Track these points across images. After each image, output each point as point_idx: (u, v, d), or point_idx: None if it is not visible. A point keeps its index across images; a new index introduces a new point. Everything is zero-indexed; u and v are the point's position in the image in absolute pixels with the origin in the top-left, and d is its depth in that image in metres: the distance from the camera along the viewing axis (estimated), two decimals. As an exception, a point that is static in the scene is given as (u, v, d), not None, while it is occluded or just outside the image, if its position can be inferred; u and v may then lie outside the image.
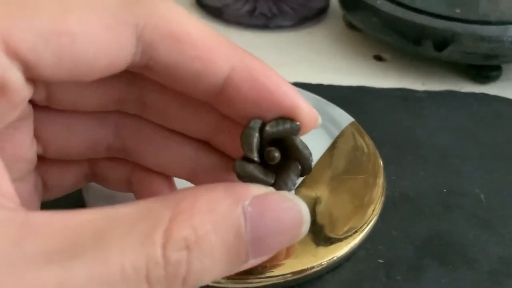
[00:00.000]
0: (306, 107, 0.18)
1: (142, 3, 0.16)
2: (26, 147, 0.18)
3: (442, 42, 0.34)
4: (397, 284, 0.23)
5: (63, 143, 0.19)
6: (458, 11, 0.34)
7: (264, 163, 0.17)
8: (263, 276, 0.22)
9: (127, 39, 0.16)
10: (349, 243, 0.23)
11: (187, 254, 0.14)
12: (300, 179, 0.20)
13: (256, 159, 0.17)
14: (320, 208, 0.24)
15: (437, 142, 0.30)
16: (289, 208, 0.16)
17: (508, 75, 0.36)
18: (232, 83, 0.17)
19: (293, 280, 0.22)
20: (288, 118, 0.17)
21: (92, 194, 0.24)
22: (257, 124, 0.17)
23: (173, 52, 0.17)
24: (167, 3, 0.17)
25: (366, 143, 0.28)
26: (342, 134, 0.28)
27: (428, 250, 0.24)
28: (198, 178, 0.20)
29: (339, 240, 0.23)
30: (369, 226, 0.24)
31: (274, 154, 0.17)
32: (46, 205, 0.19)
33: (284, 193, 0.16)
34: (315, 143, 0.22)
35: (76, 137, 0.19)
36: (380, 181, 0.26)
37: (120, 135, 0.20)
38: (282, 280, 0.22)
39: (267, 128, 0.17)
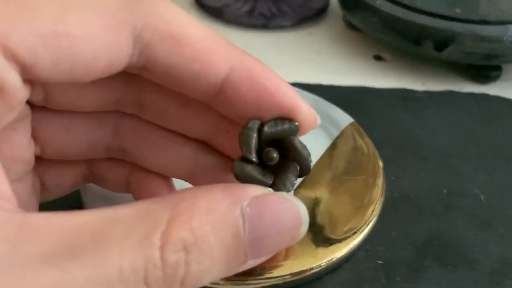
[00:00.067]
0: (305, 108, 0.18)
1: (141, 4, 0.16)
2: (23, 148, 0.18)
3: (442, 42, 0.34)
4: (397, 285, 0.23)
5: (61, 143, 0.19)
6: (458, 11, 0.34)
7: (263, 163, 0.17)
8: (262, 277, 0.21)
9: (125, 40, 0.16)
10: (348, 244, 0.23)
11: (185, 256, 0.14)
12: (299, 179, 0.20)
13: (254, 159, 0.17)
14: (319, 209, 0.24)
15: (437, 142, 0.30)
16: (288, 209, 0.16)
17: (508, 75, 0.36)
18: (231, 84, 0.17)
19: (292, 281, 0.22)
20: (286, 119, 0.17)
21: (90, 195, 0.24)
22: (255, 124, 0.17)
23: (172, 53, 0.17)
24: (166, 4, 0.17)
25: (365, 144, 0.28)
26: (341, 134, 0.28)
27: (428, 250, 0.24)
28: (196, 179, 0.20)
29: (339, 241, 0.23)
30: (369, 226, 0.24)
31: (273, 155, 0.17)
32: (44, 206, 0.19)
33: (282, 194, 0.16)
34: (314, 144, 0.22)
35: (74, 137, 0.19)
36: (380, 181, 0.26)
37: (118, 136, 0.20)
38: (281, 281, 0.22)
39: (266, 128, 0.17)
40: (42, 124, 0.19)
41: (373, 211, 0.24)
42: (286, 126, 0.17)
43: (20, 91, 0.15)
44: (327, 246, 0.23)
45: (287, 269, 0.22)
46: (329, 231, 0.23)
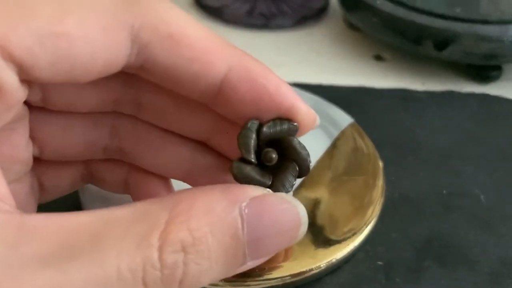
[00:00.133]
0: (304, 108, 0.18)
1: (140, 4, 0.16)
2: (21, 148, 0.18)
3: (442, 42, 0.34)
4: (397, 285, 0.23)
5: (59, 144, 0.19)
6: (458, 10, 0.34)
7: (261, 164, 0.17)
8: (261, 278, 0.21)
9: (123, 40, 0.16)
10: (348, 245, 0.23)
11: (183, 256, 0.14)
12: (298, 180, 0.20)
13: (253, 160, 0.17)
14: (319, 210, 0.24)
15: (437, 143, 0.30)
16: (287, 209, 0.16)
17: (509, 75, 0.36)
18: (230, 84, 0.17)
19: (292, 282, 0.22)
20: (285, 119, 0.17)
21: (88, 196, 0.24)
22: (254, 125, 0.17)
23: (171, 54, 0.17)
24: (165, 4, 0.17)
25: (365, 144, 0.28)
26: (341, 135, 0.28)
27: (428, 251, 0.24)
28: (195, 179, 0.20)
29: (338, 242, 0.23)
30: (369, 227, 0.24)
31: (271, 155, 0.17)
32: (43, 207, 0.19)
33: (281, 194, 0.16)
34: (314, 144, 0.22)
35: (72, 138, 0.19)
36: (380, 182, 0.26)
37: (116, 136, 0.20)
38: (280, 283, 0.22)
39: (265, 129, 0.17)
40: (40, 125, 0.19)
41: (373, 211, 0.24)
42: (285, 126, 0.17)
43: (17, 91, 0.15)
44: (326, 247, 0.23)
45: (287, 270, 0.22)
46: (328, 232, 0.23)
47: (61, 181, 0.20)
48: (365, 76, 0.36)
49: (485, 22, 0.33)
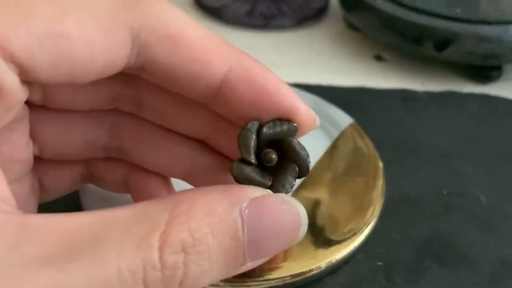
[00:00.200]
0: (304, 109, 0.18)
1: (139, 5, 0.16)
2: (22, 148, 0.18)
3: (442, 42, 0.34)
4: (397, 286, 0.23)
5: (59, 143, 0.19)
6: (458, 11, 0.34)
7: (261, 164, 0.17)
8: (261, 279, 0.21)
9: (123, 41, 0.16)
10: (348, 245, 0.23)
11: (184, 257, 0.14)
12: (298, 181, 0.20)
13: (253, 161, 0.17)
14: (319, 210, 0.24)
15: (437, 143, 0.30)
16: (287, 210, 0.16)
17: (509, 75, 0.36)
18: (229, 84, 0.17)
19: (292, 283, 0.22)
20: (285, 120, 0.17)
21: (89, 197, 0.24)
22: (254, 125, 0.17)
23: (170, 54, 0.17)
24: (164, 5, 0.17)
25: (365, 144, 0.28)
26: (341, 135, 0.28)
27: (428, 251, 0.24)
28: (194, 178, 0.20)
29: (338, 242, 0.23)
30: (369, 228, 0.24)
31: (271, 156, 0.17)
32: (44, 207, 0.19)
33: (281, 195, 0.16)
34: (314, 145, 0.22)
35: (73, 137, 0.19)
36: (380, 182, 0.26)
37: (117, 135, 0.20)
38: (280, 283, 0.22)
39: (265, 129, 0.17)
40: (40, 124, 0.19)
41: (373, 212, 0.24)
42: (284, 127, 0.17)
43: (18, 92, 0.15)
44: (326, 248, 0.23)
45: (287, 270, 0.22)
46: (329, 232, 0.23)
47: (62, 181, 0.20)
48: (365, 77, 0.36)
49: (485, 22, 0.33)
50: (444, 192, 0.27)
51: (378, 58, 0.38)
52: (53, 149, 0.19)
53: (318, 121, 0.18)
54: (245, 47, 0.18)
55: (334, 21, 0.42)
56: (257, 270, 0.21)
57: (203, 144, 0.20)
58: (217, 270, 0.15)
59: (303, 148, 0.17)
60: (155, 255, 0.14)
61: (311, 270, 0.22)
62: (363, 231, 0.24)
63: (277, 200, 0.16)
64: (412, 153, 0.29)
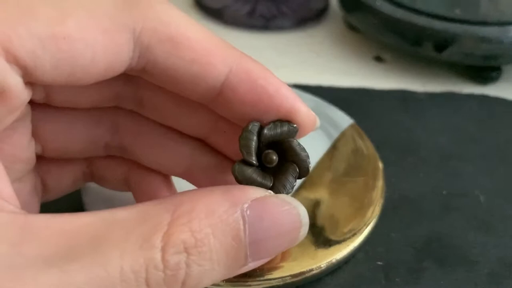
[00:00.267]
0: (304, 110, 0.18)
1: (140, 6, 0.16)
2: (24, 147, 0.18)
3: (442, 43, 0.34)
4: (397, 286, 0.23)
5: (61, 141, 0.19)
6: (458, 12, 0.34)
7: (262, 165, 0.18)
8: (262, 278, 0.22)
9: (125, 43, 0.16)
10: (348, 245, 0.23)
11: (186, 258, 0.14)
12: (299, 181, 0.20)
13: (254, 162, 0.17)
14: (319, 211, 0.24)
15: (437, 144, 0.30)
16: (288, 211, 0.16)
17: (508, 76, 0.36)
18: (230, 85, 0.17)
19: (292, 282, 0.22)
20: (286, 121, 0.18)
21: (91, 197, 0.24)
22: (255, 127, 0.17)
23: (171, 56, 0.17)
24: (165, 6, 0.17)
25: (365, 145, 0.28)
26: (341, 136, 0.28)
27: (427, 252, 0.24)
28: (194, 176, 0.20)
29: (338, 242, 0.23)
30: (369, 228, 0.24)
31: (272, 157, 0.17)
32: (46, 207, 0.20)
33: (282, 196, 0.16)
34: (314, 145, 0.22)
35: (74, 134, 0.19)
36: (380, 183, 0.26)
37: (117, 132, 0.20)
38: (281, 283, 0.22)
39: (265, 131, 0.17)
40: (42, 122, 0.19)
41: (373, 212, 0.24)
42: (285, 128, 0.17)
43: (22, 94, 0.15)
44: (327, 248, 0.23)
45: (287, 270, 0.22)
46: (329, 232, 0.23)
47: (63, 180, 0.21)
48: (365, 77, 0.36)
49: (484, 23, 0.33)
50: (444, 192, 0.27)
51: (378, 59, 0.38)
52: (55, 148, 0.19)
53: (318, 122, 0.18)
54: (245, 48, 0.18)
55: (334, 22, 0.42)
56: (257, 270, 0.21)
57: (202, 142, 0.20)
58: (218, 271, 0.15)
59: (303, 149, 0.18)
60: (158, 256, 0.14)
61: (311, 270, 0.22)
62: (363, 231, 0.24)
63: (278, 200, 0.16)
64: (412, 154, 0.29)
